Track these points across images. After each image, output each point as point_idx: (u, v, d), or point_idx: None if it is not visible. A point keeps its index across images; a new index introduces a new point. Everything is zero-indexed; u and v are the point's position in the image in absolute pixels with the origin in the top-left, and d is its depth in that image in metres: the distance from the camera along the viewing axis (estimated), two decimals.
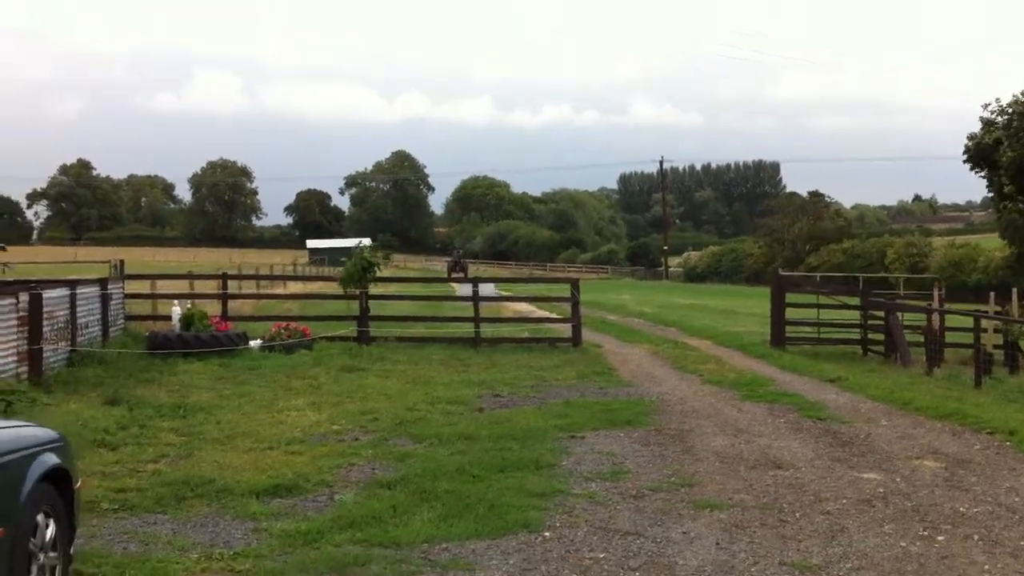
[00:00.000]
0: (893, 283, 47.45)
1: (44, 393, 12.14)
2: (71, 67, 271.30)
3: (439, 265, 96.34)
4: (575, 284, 20.62)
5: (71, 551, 5.46)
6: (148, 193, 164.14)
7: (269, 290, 31.82)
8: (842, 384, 14.78)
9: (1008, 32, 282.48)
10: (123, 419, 10.57)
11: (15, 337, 12.85)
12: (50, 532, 5.08)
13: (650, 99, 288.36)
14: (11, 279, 23.33)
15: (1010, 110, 40.74)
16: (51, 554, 5.07)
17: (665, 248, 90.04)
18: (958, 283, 46.04)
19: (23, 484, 4.81)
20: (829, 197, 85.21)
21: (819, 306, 22.99)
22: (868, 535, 6.87)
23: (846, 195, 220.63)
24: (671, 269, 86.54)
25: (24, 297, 13.28)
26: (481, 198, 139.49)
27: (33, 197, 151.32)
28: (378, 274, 20.05)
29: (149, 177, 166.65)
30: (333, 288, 21.20)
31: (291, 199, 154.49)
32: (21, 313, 13.08)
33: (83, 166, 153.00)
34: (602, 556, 6.37)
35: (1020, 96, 40.66)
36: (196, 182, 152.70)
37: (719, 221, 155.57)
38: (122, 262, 20.77)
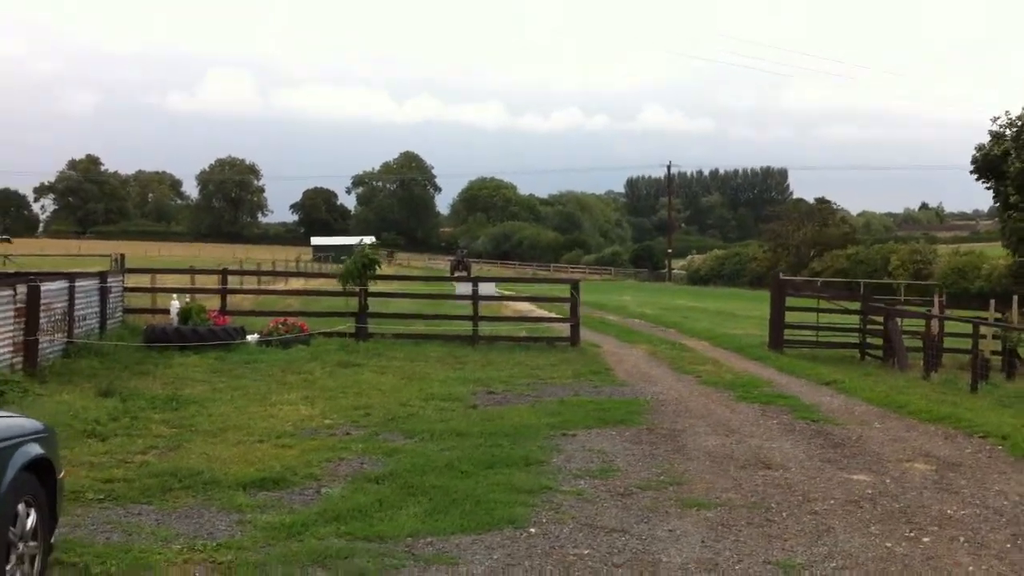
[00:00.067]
0: (895, 289, 47.42)
1: (38, 384, 12.16)
2: (83, 64, 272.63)
3: (442, 264, 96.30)
4: (575, 285, 20.62)
5: (52, 540, 5.47)
6: (155, 189, 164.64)
7: (270, 286, 31.83)
8: (838, 387, 14.75)
9: (1018, 37, 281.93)
10: (115, 410, 10.57)
11: (12, 328, 12.87)
12: (31, 521, 5.08)
13: (661, 105, 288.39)
14: (11, 271, 23.37)
15: (1020, 122, 40.72)
16: (31, 543, 5.07)
17: (669, 251, 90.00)
18: (961, 290, 46.00)
19: (4, 473, 4.82)
20: (836, 204, 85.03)
21: (819, 310, 22.97)
22: (854, 535, 6.85)
23: (854, 203, 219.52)
24: (674, 272, 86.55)
25: (22, 289, 13.30)
26: (488, 199, 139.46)
27: (40, 191, 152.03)
28: (378, 271, 20.06)
29: (157, 173, 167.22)
30: (333, 285, 21.22)
31: (298, 197, 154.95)
32: (19, 305, 13.10)
33: (91, 161, 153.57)
34: (586, 552, 6.36)
35: None
36: (204, 179, 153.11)
37: (724, 226, 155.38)
38: (122, 256, 20.79)
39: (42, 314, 13.58)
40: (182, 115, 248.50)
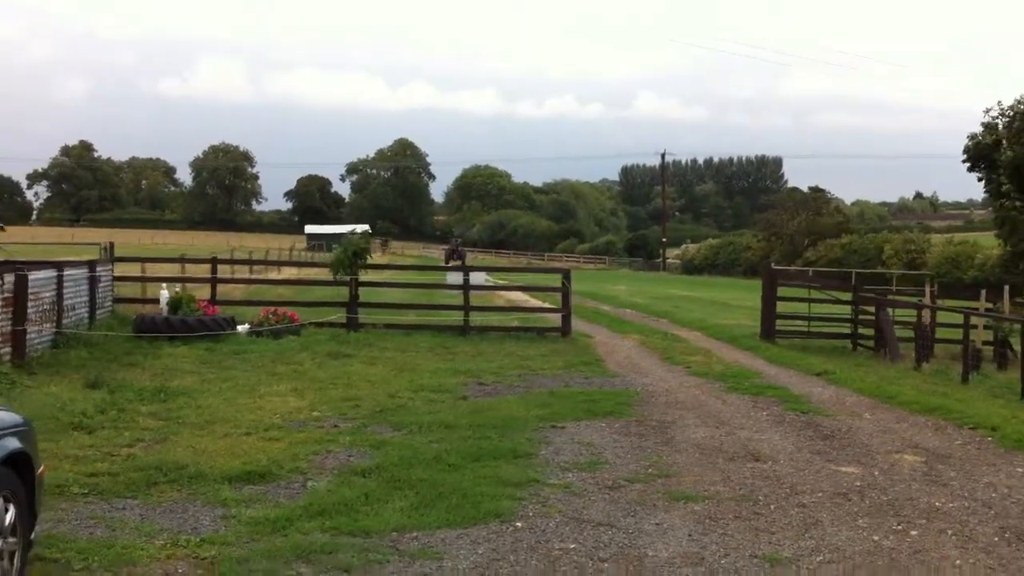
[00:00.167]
0: (888, 279, 47.46)
1: (26, 375, 12.10)
2: (76, 49, 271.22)
3: (437, 253, 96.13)
4: (566, 274, 20.57)
5: (32, 536, 5.41)
6: (149, 176, 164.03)
7: (262, 275, 31.73)
8: (829, 378, 14.74)
9: (1013, 31, 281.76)
10: (102, 402, 10.50)
11: None
12: (9, 517, 5.02)
13: (655, 93, 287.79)
14: (0, 260, 23.24)
15: (1012, 112, 40.77)
16: (10, 539, 5.02)
17: (663, 240, 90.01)
18: (955, 280, 46.08)
19: None
20: (830, 193, 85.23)
21: (810, 300, 22.96)
22: (841, 528, 6.83)
23: (848, 192, 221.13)
24: (669, 261, 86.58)
25: (9, 278, 13.22)
26: (482, 187, 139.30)
27: (34, 178, 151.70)
28: (369, 261, 19.98)
29: (151, 160, 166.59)
30: (326, 274, 21.14)
31: (292, 185, 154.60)
32: (6, 294, 13.02)
33: (85, 148, 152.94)
34: (572, 547, 6.33)
35: (1022, 97, 40.70)
36: (197, 166, 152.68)
37: (719, 215, 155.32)
38: (111, 244, 20.70)
39: (30, 304, 13.50)
40: (175, 100, 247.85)
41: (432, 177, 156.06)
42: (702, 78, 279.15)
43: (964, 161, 43.43)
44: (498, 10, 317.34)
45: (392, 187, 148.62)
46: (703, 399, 12.53)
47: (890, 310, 19.71)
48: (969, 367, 15.10)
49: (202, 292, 19.16)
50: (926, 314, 18.31)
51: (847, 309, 21.84)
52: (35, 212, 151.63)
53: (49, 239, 63.79)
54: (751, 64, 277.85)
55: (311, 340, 16.69)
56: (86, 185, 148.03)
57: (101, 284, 17.34)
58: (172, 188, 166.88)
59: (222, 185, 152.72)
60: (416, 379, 13.27)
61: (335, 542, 6.21)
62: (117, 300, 18.73)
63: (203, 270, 23.37)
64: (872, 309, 20.26)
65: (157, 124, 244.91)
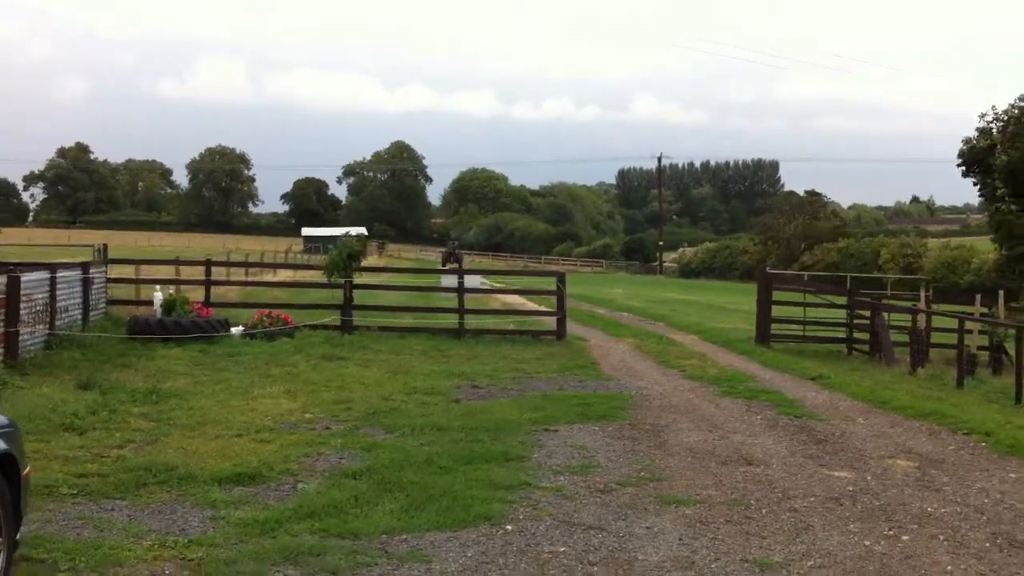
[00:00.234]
0: (884, 283, 47.47)
1: (19, 376, 12.06)
2: (76, 49, 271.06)
3: (433, 255, 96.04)
4: (561, 277, 20.56)
5: (17, 537, 5.38)
6: (145, 178, 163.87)
7: (257, 277, 31.67)
8: (823, 382, 14.73)
9: (1013, 31, 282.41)
10: (94, 403, 10.46)
11: None
12: None
13: (654, 96, 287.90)
14: None
15: (1006, 116, 40.86)
16: None
17: (660, 243, 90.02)
18: (951, 284, 46.06)
19: None
20: (827, 197, 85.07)
21: (806, 304, 22.94)
22: (833, 533, 6.81)
23: (845, 196, 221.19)
24: (666, 265, 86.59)
25: (2, 280, 13.19)
26: (479, 190, 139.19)
27: (30, 179, 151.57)
28: (363, 263, 19.95)
29: (147, 162, 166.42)
30: (320, 277, 21.10)
31: (289, 187, 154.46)
32: None
33: (81, 149, 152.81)
34: (562, 550, 6.31)
35: (1018, 102, 40.77)
36: (194, 168, 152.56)
37: (716, 218, 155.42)
38: (105, 246, 20.59)
39: (23, 305, 13.46)
40: (172, 102, 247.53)
41: (429, 180, 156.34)
42: (701, 81, 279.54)
43: (959, 165, 43.55)
44: (498, 10, 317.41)
45: (389, 190, 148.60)
46: (697, 403, 12.51)
47: (885, 315, 19.71)
48: (964, 372, 15.09)
49: (196, 294, 19.12)
50: (921, 319, 18.31)
51: (843, 313, 21.84)
52: (31, 214, 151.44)
53: (45, 241, 63.78)
54: (750, 68, 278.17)
55: (305, 342, 16.65)
56: (82, 187, 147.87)
57: (95, 286, 17.29)
58: (169, 190, 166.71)
59: (218, 187, 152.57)
60: (409, 382, 13.24)
61: (323, 544, 6.18)
62: (111, 302, 18.67)
63: (198, 272, 23.30)
64: (868, 313, 20.26)
65: (156, 125, 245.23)
